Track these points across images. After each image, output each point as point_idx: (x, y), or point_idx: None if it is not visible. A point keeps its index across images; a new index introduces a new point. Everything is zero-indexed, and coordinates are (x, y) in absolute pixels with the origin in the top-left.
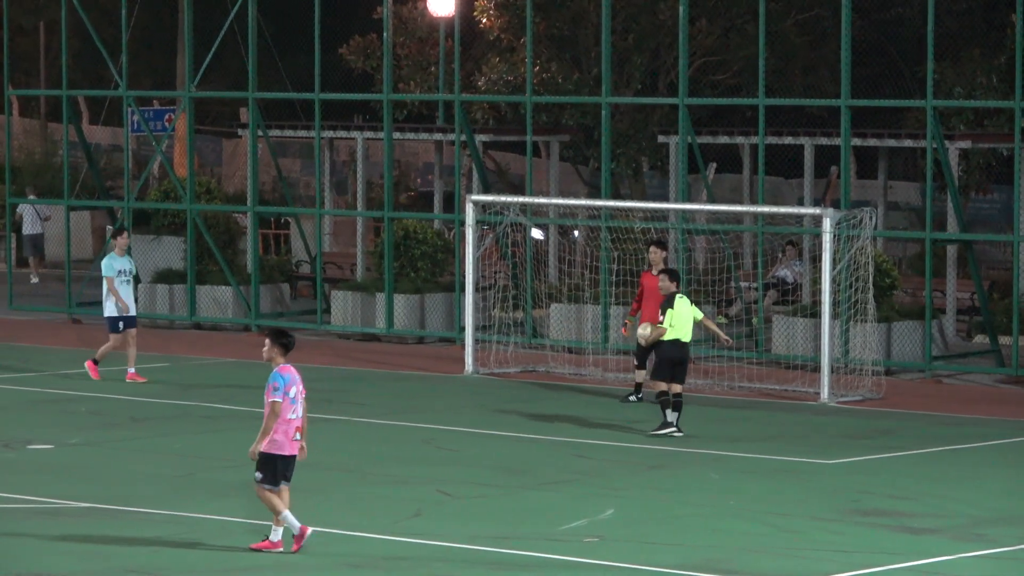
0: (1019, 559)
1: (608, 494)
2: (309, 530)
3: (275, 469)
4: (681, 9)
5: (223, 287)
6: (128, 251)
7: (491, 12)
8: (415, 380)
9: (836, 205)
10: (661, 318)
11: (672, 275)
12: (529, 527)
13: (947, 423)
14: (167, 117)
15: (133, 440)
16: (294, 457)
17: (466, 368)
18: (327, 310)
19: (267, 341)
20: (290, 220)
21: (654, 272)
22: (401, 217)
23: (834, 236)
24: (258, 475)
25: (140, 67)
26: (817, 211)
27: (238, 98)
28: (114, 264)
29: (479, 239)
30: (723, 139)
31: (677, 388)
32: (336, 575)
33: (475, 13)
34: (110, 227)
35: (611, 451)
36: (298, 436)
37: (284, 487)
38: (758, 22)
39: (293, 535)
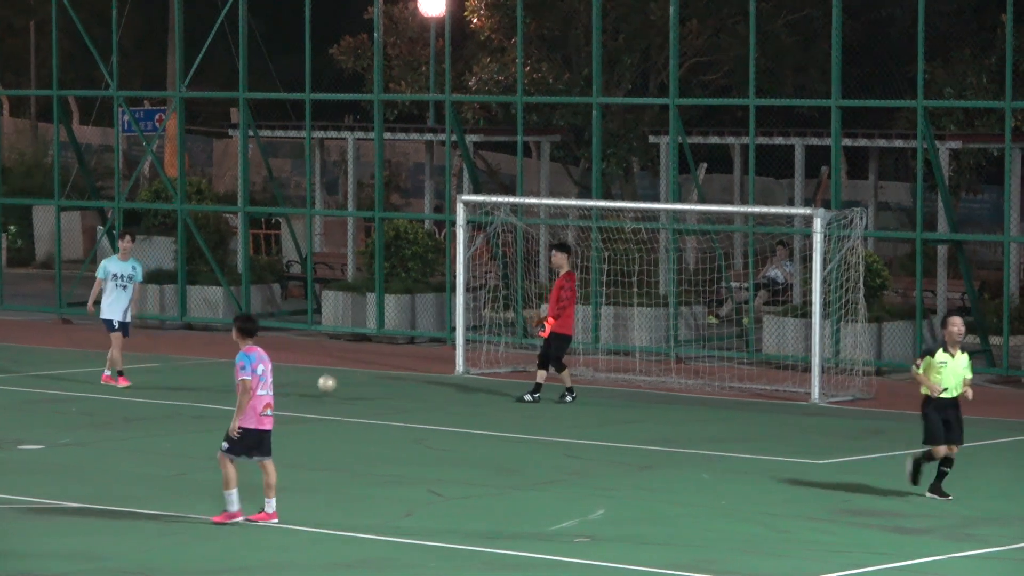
0: (1009, 559)
1: (598, 494)
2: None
3: (241, 442)
4: (672, 9)
5: (214, 287)
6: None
7: (482, 12)
8: (406, 380)
9: (827, 205)
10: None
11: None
12: (520, 527)
13: None
14: (157, 117)
15: (124, 440)
16: (267, 432)
17: (457, 368)
18: (318, 310)
19: (233, 327)
20: (281, 220)
21: (560, 275)
22: (392, 217)
23: (825, 236)
24: (224, 444)
25: (131, 67)
26: (808, 211)
27: (229, 98)
28: (108, 267)
29: (470, 239)
30: (714, 139)
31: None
32: (326, 575)
33: (466, 13)
34: (100, 227)
35: (601, 451)
36: (269, 412)
37: (266, 461)
38: (749, 22)
39: (226, 510)
